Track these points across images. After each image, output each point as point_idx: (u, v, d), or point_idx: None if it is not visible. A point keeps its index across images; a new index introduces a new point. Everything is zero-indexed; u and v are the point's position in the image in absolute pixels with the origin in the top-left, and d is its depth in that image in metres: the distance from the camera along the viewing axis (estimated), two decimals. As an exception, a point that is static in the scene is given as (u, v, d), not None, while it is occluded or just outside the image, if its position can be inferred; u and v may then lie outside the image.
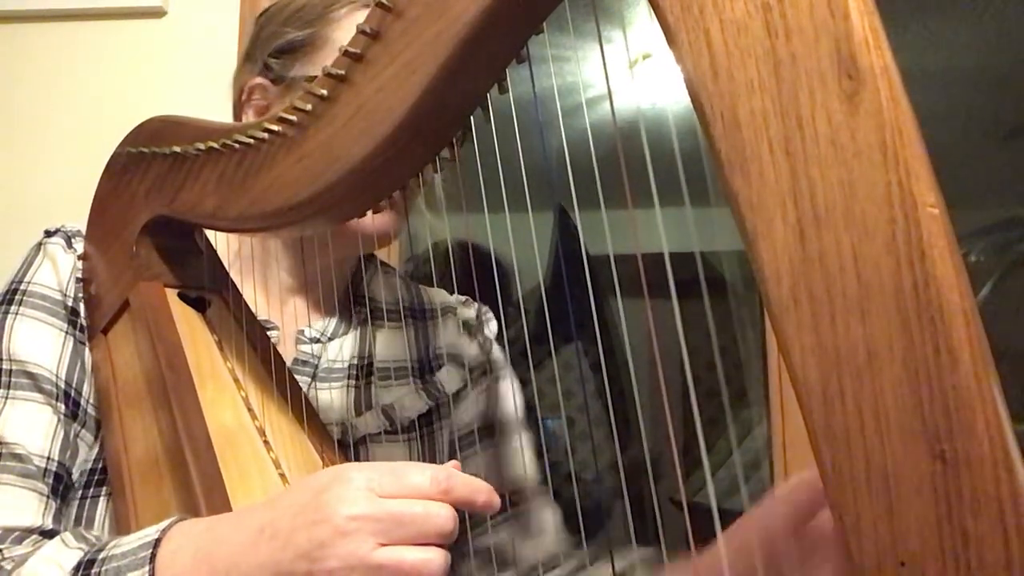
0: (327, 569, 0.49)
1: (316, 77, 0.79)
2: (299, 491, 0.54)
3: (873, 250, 0.37)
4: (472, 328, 0.97)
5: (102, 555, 0.57)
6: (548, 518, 0.93)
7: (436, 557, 0.50)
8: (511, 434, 0.95)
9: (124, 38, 1.59)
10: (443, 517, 0.51)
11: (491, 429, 0.94)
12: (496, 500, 0.54)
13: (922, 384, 0.36)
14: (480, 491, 0.53)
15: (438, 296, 0.99)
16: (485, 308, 1.00)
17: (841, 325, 0.37)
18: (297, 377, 0.83)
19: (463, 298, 1.00)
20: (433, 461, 0.89)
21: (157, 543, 0.55)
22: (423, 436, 0.88)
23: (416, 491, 0.51)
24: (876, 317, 0.36)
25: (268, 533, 0.52)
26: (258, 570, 0.51)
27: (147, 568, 0.54)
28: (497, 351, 1.00)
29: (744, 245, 0.40)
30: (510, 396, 0.97)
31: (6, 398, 0.71)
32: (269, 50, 0.83)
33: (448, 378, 0.92)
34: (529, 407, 0.99)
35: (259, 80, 0.83)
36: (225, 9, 1.58)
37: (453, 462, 0.55)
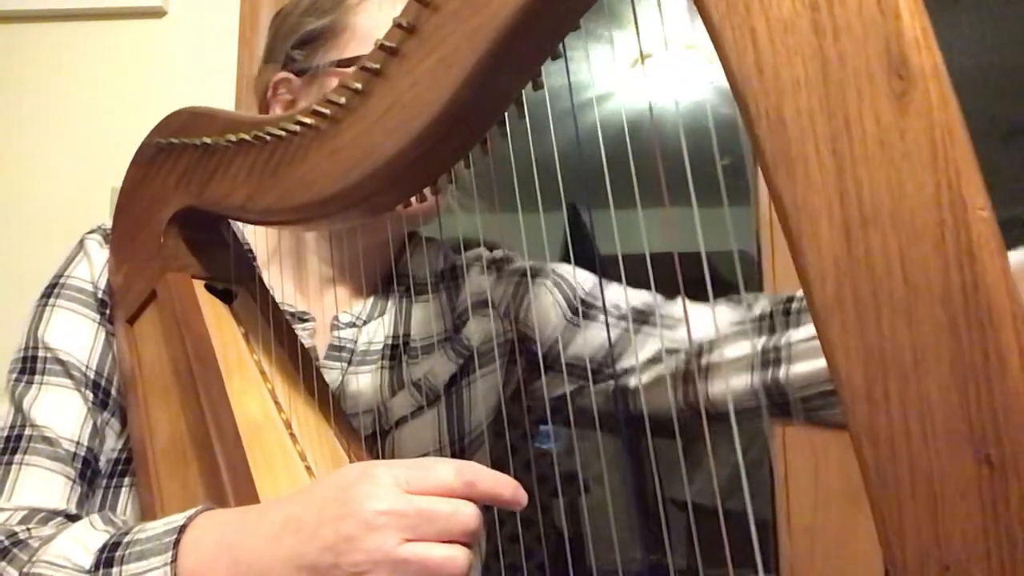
0: (353, 562, 0.49)
1: (341, 61, 0.80)
2: (325, 486, 0.54)
3: (921, 252, 0.36)
4: (498, 264, 0.93)
5: (127, 538, 0.57)
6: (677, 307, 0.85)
7: (461, 555, 0.50)
8: (595, 303, 0.88)
9: (124, 38, 1.61)
10: (469, 516, 0.51)
11: (576, 309, 0.88)
12: (523, 495, 0.54)
13: (969, 388, 0.35)
14: (505, 484, 0.53)
15: (468, 253, 0.95)
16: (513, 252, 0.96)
17: (887, 327, 0.37)
18: (333, 363, 0.83)
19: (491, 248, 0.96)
20: (461, 426, 0.87)
21: (182, 529, 0.56)
22: (450, 403, 0.87)
23: (442, 485, 0.52)
24: (923, 319, 0.36)
25: (293, 527, 0.52)
26: (281, 563, 0.52)
27: (171, 553, 0.54)
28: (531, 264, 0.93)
29: (788, 245, 0.40)
30: (580, 278, 0.90)
31: (40, 384, 0.73)
32: (291, 43, 0.84)
33: (475, 329, 0.89)
34: (530, 408, 0.97)
35: (283, 74, 0.84)
36: (225, 9, 1.59)
37: (473, 463, 0.54)
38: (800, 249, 0.39)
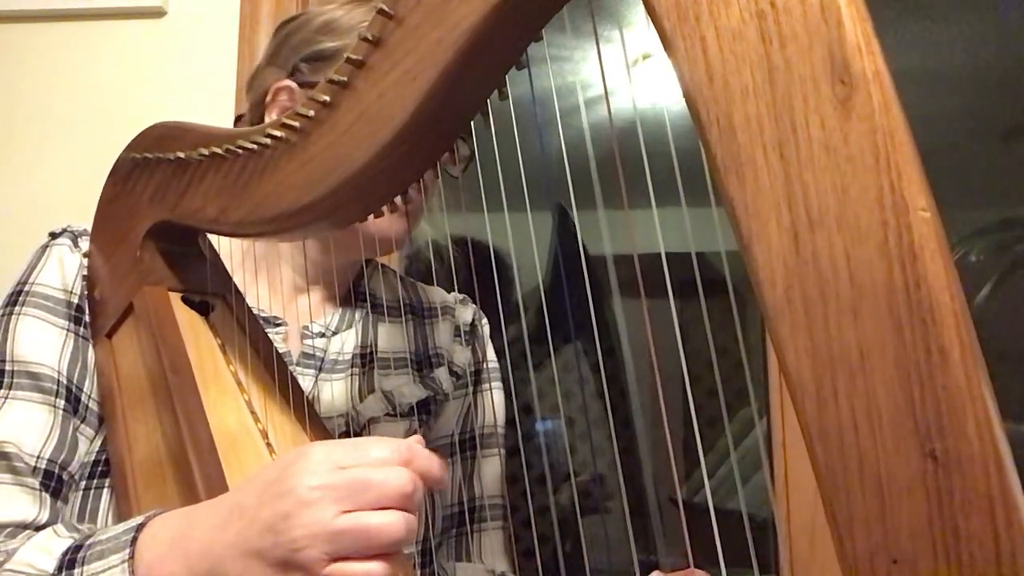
0: (292, 538, 0.50)
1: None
2: (266, 471, 0.55)
3: (866, 253, 0.37)
4: (466, 335, 1.00)
5: (89, 541, 0.59)
6: (495, 542, 0.95)
7: (399, 519, 0.51)
8: (486, 448, 0.98)
9: (124, 38, 1.60)
10: (403, 479, 0.52)
11: (470, 442, 0.96)
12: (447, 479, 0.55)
13: (913, 384, 0.36)
14: (441, 465, 0.55)
15: (436, 295, 1.01)
16: (480, 313, 1.02)
17: (834, 326, 0.38)
18: (304, 370, 0.85)
19: (461, 296, 1.02)
20: (429, 436, 0.92)
21: (140, 528, 0.57)
22: (422, 421, 0.90)
23: (378, 463, 0.53)
24: (868, 318, 0.37)
25: (236, 513, 0.54)
26: (229, 549, 0.53)
27: (128, 551, 0.56)
28: (492, 360, 1.02)
29: (739, 248, 0.41)
30: (492, 410, 0.99)
31: (5, 398, 0.72)
32: (301, 56, 0.85)
33: (445, 378, 0.94)
34: (528, 408, 1.01)
35: (287, 83, 0.84)
36: (225, 9, 1.58)
37: (416, 436, 0.56)
38: (751, 252, 0.40)
